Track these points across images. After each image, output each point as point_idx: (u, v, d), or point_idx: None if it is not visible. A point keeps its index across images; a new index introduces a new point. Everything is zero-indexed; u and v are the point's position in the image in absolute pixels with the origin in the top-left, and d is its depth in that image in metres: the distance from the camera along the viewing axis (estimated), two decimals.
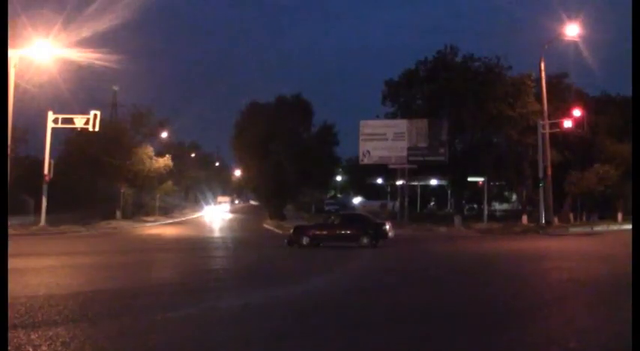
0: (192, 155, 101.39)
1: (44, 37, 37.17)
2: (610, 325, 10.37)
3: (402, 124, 54.36)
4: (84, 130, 44.99)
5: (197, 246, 32.54)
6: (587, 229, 44.66)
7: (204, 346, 8.60)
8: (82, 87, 47.37)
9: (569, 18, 43.94)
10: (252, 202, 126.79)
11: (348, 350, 8.74)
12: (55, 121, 42.77)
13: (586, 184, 50.08)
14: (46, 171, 41.32)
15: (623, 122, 53.15)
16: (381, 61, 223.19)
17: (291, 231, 31.72)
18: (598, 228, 45.28)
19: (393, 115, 58.43)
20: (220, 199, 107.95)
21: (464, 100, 51.91)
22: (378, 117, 59.45)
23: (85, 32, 37.76)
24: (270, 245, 33.33)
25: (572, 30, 43.56)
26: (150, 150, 63.41)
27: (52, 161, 42.51)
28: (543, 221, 44.03)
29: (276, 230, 47.35)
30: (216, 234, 44.83)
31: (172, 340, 8.93)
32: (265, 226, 56.05)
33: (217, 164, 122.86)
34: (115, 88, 71.33)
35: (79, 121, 43.13)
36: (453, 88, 52.14)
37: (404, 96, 59.29)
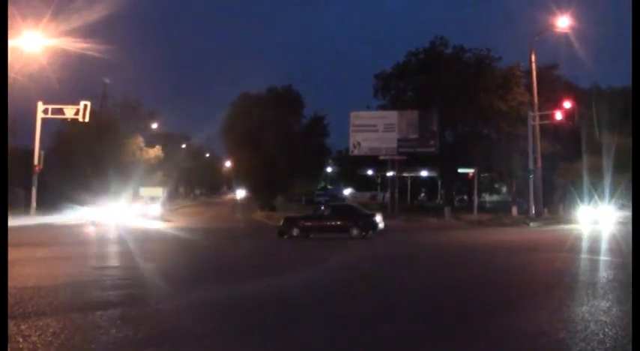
0: (183, 146, 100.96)
1: (34, 28, 36.93)
2: (595, 318, 10.43)
3: (392, 116, 54.43)
4: (75, 121, 44.83)
5: (187, 237, 32.58)
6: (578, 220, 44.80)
7: (193, 336, 8.62)
8: (72, 78, 47.24)
9: (560, 10, 43.98)
10: (236, 196, 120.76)
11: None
12: (45, 111, 42.60)
13: (575, 175, 50.24)
14: (36, 162, 41.19)
15: (613, 114, 53.38)
16: (372, 50, 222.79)
17: (281, 222, 31.80)
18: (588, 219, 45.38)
19: (384, 107, 58.55)
20: (146, 191, 59.09)
21: (454, 92, 52.01)
22: (369, 108, 59.62)
23: (75, 22, 37.54)
24: (260, 236, 33.39)
25: (562, 22, 43.62)
26: (140, 141, 63.25)
27: (42, 152, 42.35)
28: (533, 213, 44.14)
29: (267, 221, 47.38)
30: (208, 225, 44.82)
31: (162, 331, 8.94)
32: (255, 217, 56.09)
33: (208, 155, 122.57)
34: (106, 80, 70.88)
35: (69, 112, 42.98)
36: (443, 79, 52.22)
37: (395, 88, 59.44)
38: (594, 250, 23.68)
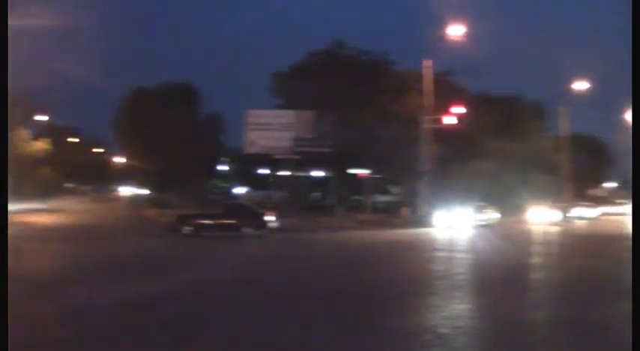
0: (74, 140, 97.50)
1: None
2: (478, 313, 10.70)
3: (288, 115, 54.49)
4: None
5: (77, 234, 31.60)
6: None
7: (73, 338, 8.28)
8: None
9: (456, 19, 45.13)
10: (127, 193, 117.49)
11: None
12: None
13: (465, 177, 51.72)
14: None
15: (501, 119, 55.41)
16: (277, 49, 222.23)
17: (173, 220, 31.27)
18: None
19: (281, 107, 58.59)
20: None
21: (351, 94, 52.48)
22: (265, 108, 59.46)
23: None
24: (150, 234, 32.58)
25: (457, 30, 44.70)
26: (24, 133, 60.77)
27: None
28: (423, 213, 45.09)
29: (158, 219, 46.45)
30: (98, 222, 43.58)
31: (40, 333, 8.56)
32: (147, 214, 54.95)
33: (100, 150, 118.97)
34: None
35: None
36: (340, 81, 52.64)
37: (292, 88, 59.53)
38: (464, 249, 25.47)
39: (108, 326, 9.64)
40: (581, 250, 26.16)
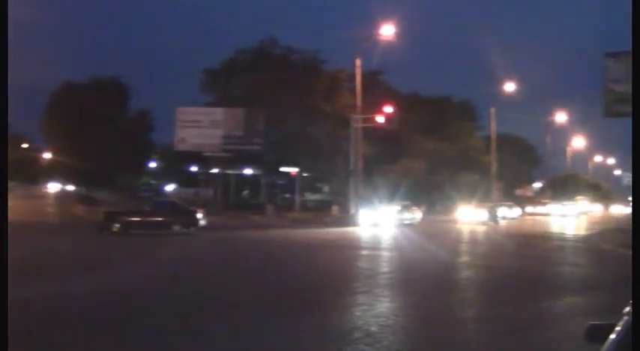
0: None
1: None
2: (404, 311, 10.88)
3: (218, 113, 54.17)
4: None
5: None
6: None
7: None
8: None
9: (386, 19, 45.67)
10: (53, 189, 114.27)
11: None
12: None
13: (394, 176, 52.31)
14: None
15: (431, 119, 56.27)
16: (206, 47, 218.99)
17: (101, 217, 30.57)
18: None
19: (211, 104, 58.11)
20: None
21: (281, 92, 52.42)
22: (194, 104, 58.87)
23: None
24: (76, 231, 31.83)
25: (387, 30, 45.21)
26: None
27: None
28: (353, 211, 45.37)
29: (86, 216, 45.46)
30: (22, 219, 42.37)
31: None
32: (75, 211, 53.71)
33: (26, 146, 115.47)
34: None
35: None
36: (270, 79, 52.50)
37: (223, 85, 59.11)
38: (385, 248, 26.72)
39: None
40: (501, 249, 26.90)
